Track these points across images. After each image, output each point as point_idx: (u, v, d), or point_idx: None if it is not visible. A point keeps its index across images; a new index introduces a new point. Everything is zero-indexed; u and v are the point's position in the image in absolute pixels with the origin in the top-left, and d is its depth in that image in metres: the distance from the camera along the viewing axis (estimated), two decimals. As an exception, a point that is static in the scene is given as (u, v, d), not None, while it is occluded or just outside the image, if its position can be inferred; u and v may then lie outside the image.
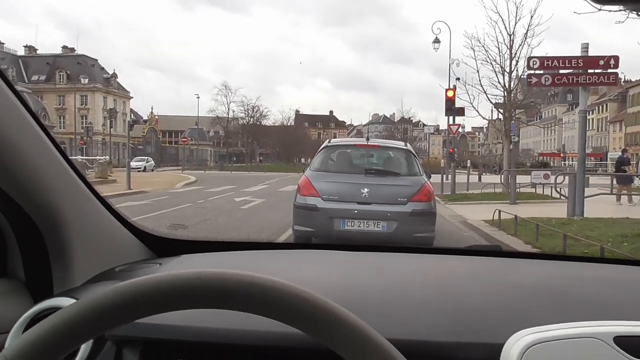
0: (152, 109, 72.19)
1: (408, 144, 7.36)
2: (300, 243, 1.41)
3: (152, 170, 37.50)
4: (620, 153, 17.03)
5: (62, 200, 0.97)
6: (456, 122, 18.86)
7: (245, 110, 65.95)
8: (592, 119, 72.98)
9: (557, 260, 1.28)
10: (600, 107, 71.01)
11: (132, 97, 70.57)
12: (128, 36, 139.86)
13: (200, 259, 1.19)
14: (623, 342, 0.66)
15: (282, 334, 0.76)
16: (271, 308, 0.53)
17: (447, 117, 18.69)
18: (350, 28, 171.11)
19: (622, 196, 13.76)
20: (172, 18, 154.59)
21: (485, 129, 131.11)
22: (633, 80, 59.56)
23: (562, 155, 60.56)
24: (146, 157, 41.39)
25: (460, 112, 18.73)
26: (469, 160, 28.15)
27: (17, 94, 0.85)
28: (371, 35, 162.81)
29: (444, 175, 18.55)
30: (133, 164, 37.61)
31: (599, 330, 0.68)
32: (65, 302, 0.85)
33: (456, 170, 18.58)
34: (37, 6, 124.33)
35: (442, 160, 23.15)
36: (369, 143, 7.14)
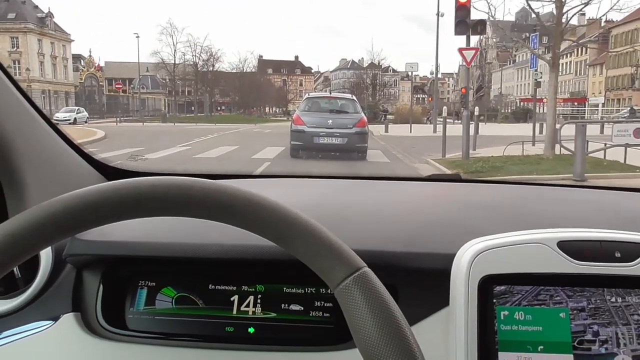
0: (90, 52, 63.96)
1: (353, 96, 14.24)
2: (267, 174, 1.77)
3: (86, 122, 32.28)
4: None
5: (4, 119, 0.89)
6: (471, 46, 12.65)
7: (193, 52, 58.97)
8: (570, 62, 69.53)
9: (513, 184, 1.35)
10: (579, 49, 67.24)
11: (73, 40, 63.04)
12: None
13: None
14: (566, 246, 0.72)
15: (243, 247, 0.79)
16: (196, 206, 0.53)
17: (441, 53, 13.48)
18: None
19: None
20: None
21: (455, 75, 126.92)
22: (615, 20, 55.67)
23: (545, 100, 56.30)
24: (77, 108, 35.83)
25: (478, 27, 11.90)
26: (476, 107, 20.43)
27: None
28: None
29: (435, 127, 13.74)
30: (60, 115, 32.13)
31: (544, 237, 0.73)
32: None
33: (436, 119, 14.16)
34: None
35: (429, 110, 18.34)
36: (331, 95, 14.51)
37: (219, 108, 79.22)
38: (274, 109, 78.35)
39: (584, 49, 65.90)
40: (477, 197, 1.11)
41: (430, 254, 0.79)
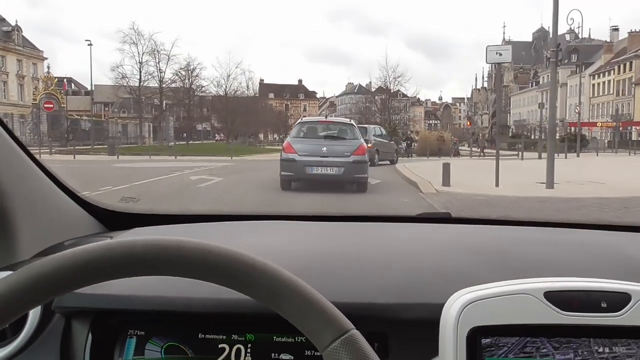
0: (48, 67, 54.58)
1: (352, 120, 13.15)
2: (255, 214, 1.39)
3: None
4: None
5: None
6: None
7: (156, 63, 49.40)
8: (610, 81, 61.36)
9: (502, 225, 1.33)
10: (621, 66, 59.13)
11: (46, 58, 55.50)
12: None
13: (152, 232, 1.15)
14: (552, 296, 0.71)
15: (233, 301, 0.77)
16: (183, 268, 0.54)
17: None
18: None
19: None
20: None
21: (466, 100, 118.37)
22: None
23: (615, 123, 44.93)
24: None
25: None
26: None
27: None
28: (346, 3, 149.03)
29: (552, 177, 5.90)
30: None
31: (531, 287, 0.73)
32: (4, 275, 0.85)
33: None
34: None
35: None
36: (327, 120, 13.30)
37: (216, 135, 71.45)
38: (274, 135, 70.43)
39: (627, 65, 57.84)
40: (467, 240, 1.11)
41: (419, 305, 0.80)
